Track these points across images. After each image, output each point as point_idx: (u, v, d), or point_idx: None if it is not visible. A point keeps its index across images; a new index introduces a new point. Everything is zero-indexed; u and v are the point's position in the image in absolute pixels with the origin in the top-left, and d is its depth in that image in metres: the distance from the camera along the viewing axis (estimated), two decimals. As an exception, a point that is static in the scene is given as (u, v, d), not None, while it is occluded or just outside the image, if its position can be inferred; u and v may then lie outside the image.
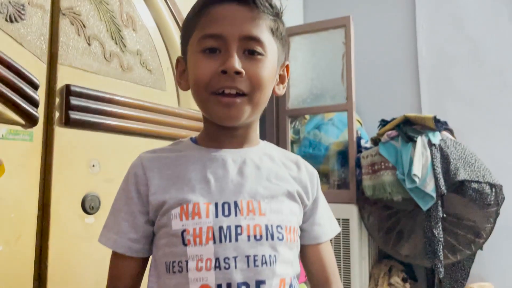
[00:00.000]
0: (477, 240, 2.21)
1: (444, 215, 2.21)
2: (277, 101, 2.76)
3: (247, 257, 0.70)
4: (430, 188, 2.17)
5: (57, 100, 1.05)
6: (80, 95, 1.08)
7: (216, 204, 0.72)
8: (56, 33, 1.05)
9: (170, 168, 0.76)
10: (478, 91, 2.64)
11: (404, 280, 2.37)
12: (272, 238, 0.72)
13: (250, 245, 0.70)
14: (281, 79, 0.84)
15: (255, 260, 0.70)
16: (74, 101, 1.06)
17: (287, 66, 0.84)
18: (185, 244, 0.70)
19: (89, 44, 1.12)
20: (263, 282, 0.70)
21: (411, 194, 2.21)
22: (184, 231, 0.70)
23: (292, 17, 3.11)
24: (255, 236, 0.71)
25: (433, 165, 2.20)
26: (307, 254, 0.85)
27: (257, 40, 0.72)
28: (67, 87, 1.06)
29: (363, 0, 3.05)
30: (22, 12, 0.97)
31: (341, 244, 2.39)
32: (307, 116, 2.79)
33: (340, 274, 2.36)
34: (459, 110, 2.67)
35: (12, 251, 0.94)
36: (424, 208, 2.18)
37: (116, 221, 0.77)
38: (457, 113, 2.65)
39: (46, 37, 1.03)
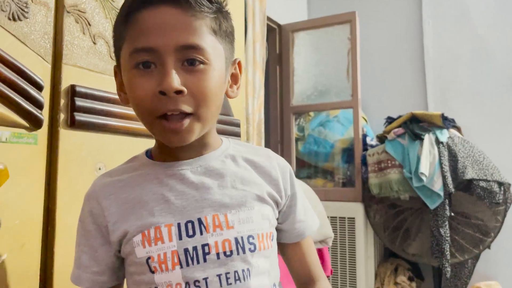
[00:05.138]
0: (485, 239, 2.18)
1: (452, 214, 2.18)
2: (281, 98, 2.72)
3: (219, 276, 0.66)
4: (437, 186, 2.15)
5: (62, 101, 1.01)
6: (85, 96, 1.04)
7: (178, 225, 0.67)
8: (61, 31, 1.01)
9: (126, 192, 0.70)
10: (484, 88, 2.60)
11: (410, 279, 2.34)
12: (244, 251, 0.68)
13: (220, 263, 0.66)
14: (234, 78, 0.75)
15: (227, 278, 0.66)
16: (79, 102, 1.03)
17: (239, 63, 0.75)
18: (152, 272, 0.66)
19: (94, 43, 1.08)
20: None
21: (418, 192, 2.18)
22: (148, 258, 0.66)
23: (296, 13, 3.06)
24: (224, 253, 0.66)
25: (440, 163, 2.17)
26: (289, 252, 0.81)
27: (196, 48, 0.63)
28: (72, 87, 1.02)
29: (368, -5, 3.00)
30: (26, 10, 0.93)
31: (347, 243, 2.36)
32: (312, 113, 2.75)
33: (346, 274, 2.33)
34: (465, 108, 2.64)
35: (16, 258, 0.90)
36: (432, 206, 2.15)
37: (77, 255, 0.73)
38: (464, 111, 2.62)
39: (50, 36, 0.99)
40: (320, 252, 1.77)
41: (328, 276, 1.84)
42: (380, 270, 2.40)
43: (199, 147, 0.73)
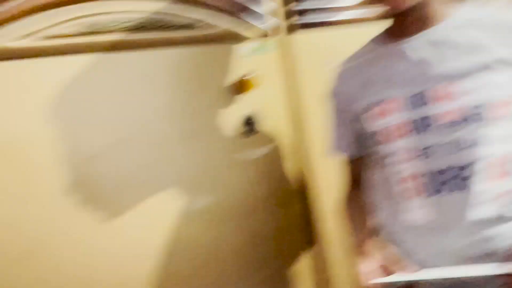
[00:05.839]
0: None
1: None
2: None
3: (447, 143, 0.69)
4: None
5: (286, 8, 1.13)
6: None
7: (406, 98, 0.73)
8: None
9: (360, 74, 0.81)
10: None
11: None
12: (471, 120, 0.68)
13: (447, 131, 0.69)
14: None
15: (456, 145, 0.69)
16: (300, 6, 1.14)
17: None
18: (386, 141, 0.75)
19: None
20: (467, 165, 0.68)
21: None
22: (382, 129, 0.75)
23: None
24: (451, 122, 0.69)
25: None
26: None
27: None
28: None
29: None
30: None
31: None
32: None
33: None
34: None
35: (275, 151, 1.14)
36: None
37: (333, 129, 0.89)
38: None
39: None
40: None
41: None
42: None
43: (423, 21, 0.75)
